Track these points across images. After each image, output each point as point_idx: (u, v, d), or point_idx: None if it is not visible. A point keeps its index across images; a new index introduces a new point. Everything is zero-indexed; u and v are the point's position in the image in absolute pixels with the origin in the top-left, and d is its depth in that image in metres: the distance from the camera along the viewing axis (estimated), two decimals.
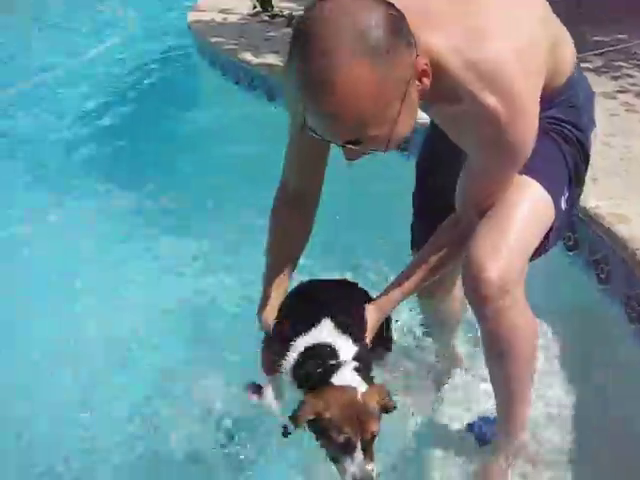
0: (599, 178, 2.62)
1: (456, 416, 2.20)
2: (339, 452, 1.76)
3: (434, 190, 2.07)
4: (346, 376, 1.81)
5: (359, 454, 1.74)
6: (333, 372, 1.81)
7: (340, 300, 1.98)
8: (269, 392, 2.03)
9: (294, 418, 1.78)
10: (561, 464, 2.02)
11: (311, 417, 1.76)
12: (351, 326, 1.91)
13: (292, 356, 1.90)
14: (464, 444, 2.11)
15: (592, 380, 2.26)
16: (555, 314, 2.46)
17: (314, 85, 1.44)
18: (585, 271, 2.57)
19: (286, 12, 5.56)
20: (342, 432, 1.73)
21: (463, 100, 1.56)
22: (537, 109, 1.63)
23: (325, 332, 1.89)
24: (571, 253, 2.65)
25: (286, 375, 1.92)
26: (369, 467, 1.74)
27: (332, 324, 1.89)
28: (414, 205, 2.25)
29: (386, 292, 1.94)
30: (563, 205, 1.84)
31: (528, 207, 1.75)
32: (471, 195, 1.80)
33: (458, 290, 2.23)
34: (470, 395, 2.27)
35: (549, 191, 1.78)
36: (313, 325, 1.90)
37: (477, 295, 1.70)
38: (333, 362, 1.84)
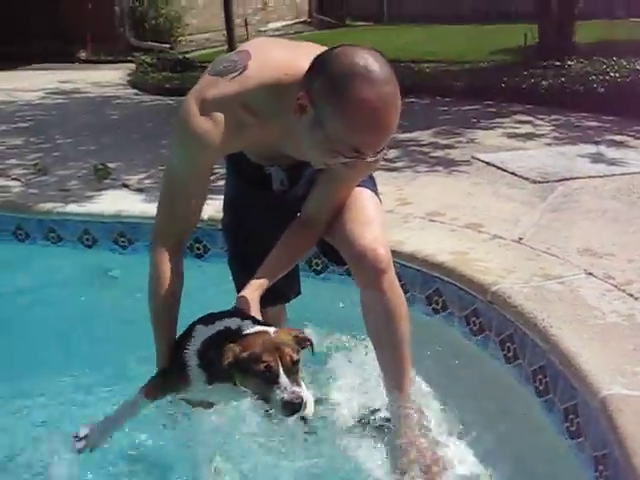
0: None
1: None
2: (265, 386, 1.83)
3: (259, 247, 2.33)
4: (256, 328, 1.95)
5: (283, 379, 1.82)
6: (243, 330, 1.94)
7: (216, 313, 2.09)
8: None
9: (217, 368, 1.85)
10: None
11: (231, 360, 1.84)
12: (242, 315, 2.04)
13: (196, 343, 1.99)
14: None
15: None
16: None
17: (388, 106, 1.83)
18: None
19: None
20: (261, 361, 1.82)
21: None
22: None
23: (220, 323, 1.99)
24: None
25: (193, 361, 1.98)
26: (296, 389, 1.81)
27: (223, 318, 2.01)
28: (241, 261, 2.53)
29: (249, 285, 2.16)
30: None
31: (374, 205, 2.33)
32: (331, 201, 2.25)
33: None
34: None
35: (377, 195, 2.40)
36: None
37: (376, 270, 2.16)
38: (239, 328, 1.95)
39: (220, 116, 1.99)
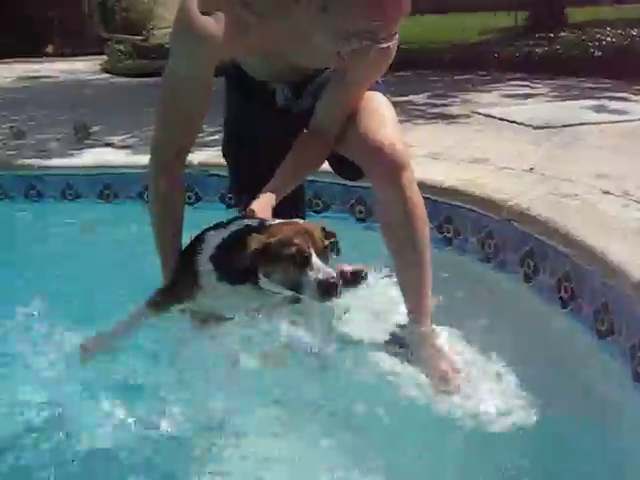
0: None
1: None
2: (297, 271, 1.76)
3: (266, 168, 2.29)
4: (277, 220, 1.89)
5: (316, 260, 1.76)
6: (263, 223, 1.87)
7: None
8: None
9: (239, 254, 1.77)
10: None
11: (257, 246, 1.77)
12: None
13: (208, 248, 1.92)
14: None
15: None
16: None
17: None
18: None
19: None
20: (292, 244, 1.76)
21: None
22: None
23: (235, 224, 1.94)
24: None
25: (206, 266, 1.91)
26: (331, 270, 1.76)
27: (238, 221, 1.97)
28: (247, 185, 2.37)
29: (258, 198, 2.11)
30: None
31: (388, 108, 2.29)
32: (342, 105, 2.22)
33: None
34: None
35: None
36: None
37: (395, 165, 2.13)
38: (255, 224, 1.88)
39: (220, 13, 1.96)
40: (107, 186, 3.89)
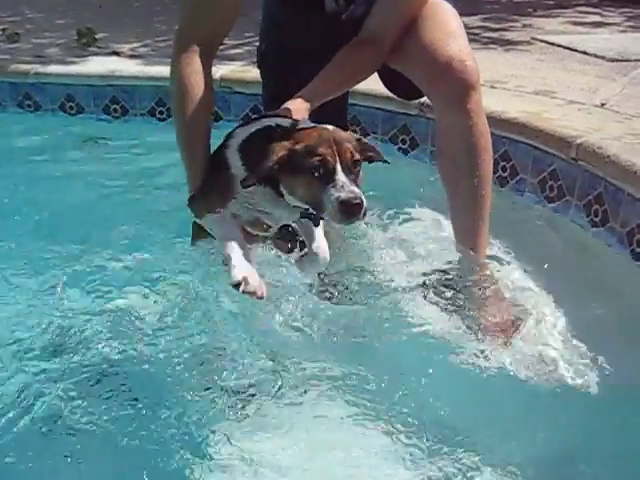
0: None
1: None
2: (318, 185, 1.73)
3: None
4: (310, 123, 1.88)
5: (341, 175, 1.72)
6: (295, 126, 1.86)
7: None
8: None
9: (264, 165, 1.75)
10: None
11: (282, 153, 1.75)
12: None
13: (237, 140, 1.93)
14: None
15: None
16: None
17: None
18: None
19: None
20: (316, 154, 1.73)
21: None
22: None
23: (268, 120, 1.93)
24: None
25: (235, 160, 1.91)
26: (356, 189, 1.71)
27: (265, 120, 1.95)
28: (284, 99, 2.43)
29: (295, 98, 2.09)
30: None
31: (455, 17, 2.25)
32: (399, 12, 2.19)
33: None
34: None
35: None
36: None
37: (464, 84, 2.10)
38: (287, 124, 1.87)
39: None
40: (114, 100, 3.86)
